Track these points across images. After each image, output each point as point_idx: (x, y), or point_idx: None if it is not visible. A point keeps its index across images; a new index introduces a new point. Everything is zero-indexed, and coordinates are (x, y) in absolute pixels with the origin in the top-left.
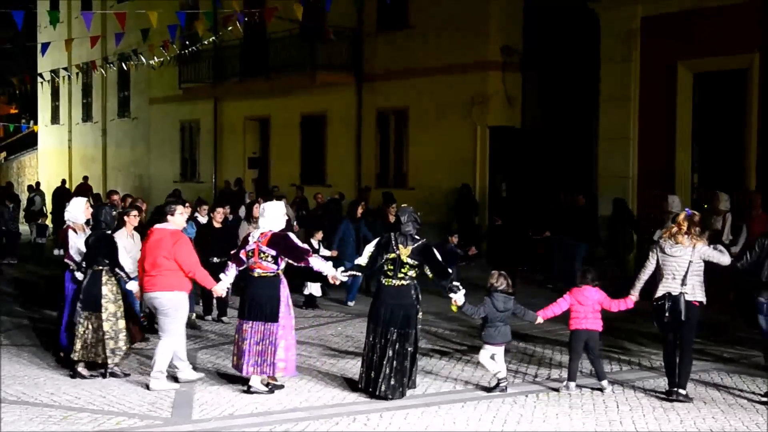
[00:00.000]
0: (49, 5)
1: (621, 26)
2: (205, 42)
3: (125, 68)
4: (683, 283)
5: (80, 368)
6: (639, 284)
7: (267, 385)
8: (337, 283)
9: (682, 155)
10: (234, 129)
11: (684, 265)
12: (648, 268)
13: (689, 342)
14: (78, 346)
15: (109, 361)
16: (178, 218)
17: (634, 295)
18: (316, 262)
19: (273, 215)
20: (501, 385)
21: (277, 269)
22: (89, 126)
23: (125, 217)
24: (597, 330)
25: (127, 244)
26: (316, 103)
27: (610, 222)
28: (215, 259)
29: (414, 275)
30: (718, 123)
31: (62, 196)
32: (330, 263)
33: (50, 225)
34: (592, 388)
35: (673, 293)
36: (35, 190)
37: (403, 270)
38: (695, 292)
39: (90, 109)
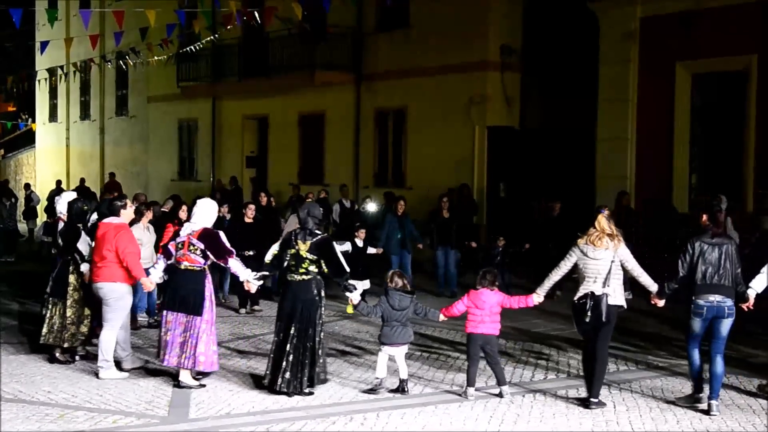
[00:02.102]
0: (47, 3)
1: (620, 27)
2: (204, 42)
3: (123, 67)
4: (605, 284)
5: (57, 354)
6: (548, 283)
7: (198, 380)
8: (252, 289)
9: (680, 156)
10: (232, 128)
11: (606, 267)
12: (562, 269)
13: (604, 346)
14: (45, 330)
15: (67, 344)
16: (130, 212)
17: (538, 294)
18: (235, 265)
19: (205, 212)
20: (377, 388)
21: (204, 264)
22: (87, 124)
23: (144, 211)
24: (494, 334)
25: (143, 236)
26: (314, 103)
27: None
28: (248, 252)
29: (316, 270)
30: (717, 124)
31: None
32: (248, 269)
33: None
34: (492, 394)
35: (596, 293)
36: (56, 189)
37: (303, 265)
38: (616, 295)
39: (88, 107)
